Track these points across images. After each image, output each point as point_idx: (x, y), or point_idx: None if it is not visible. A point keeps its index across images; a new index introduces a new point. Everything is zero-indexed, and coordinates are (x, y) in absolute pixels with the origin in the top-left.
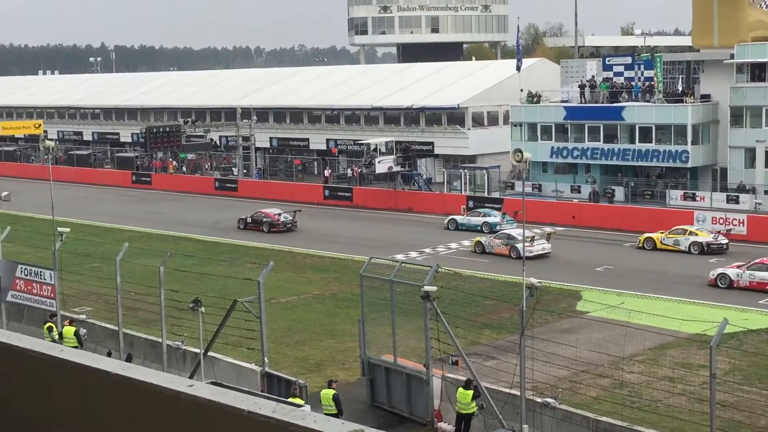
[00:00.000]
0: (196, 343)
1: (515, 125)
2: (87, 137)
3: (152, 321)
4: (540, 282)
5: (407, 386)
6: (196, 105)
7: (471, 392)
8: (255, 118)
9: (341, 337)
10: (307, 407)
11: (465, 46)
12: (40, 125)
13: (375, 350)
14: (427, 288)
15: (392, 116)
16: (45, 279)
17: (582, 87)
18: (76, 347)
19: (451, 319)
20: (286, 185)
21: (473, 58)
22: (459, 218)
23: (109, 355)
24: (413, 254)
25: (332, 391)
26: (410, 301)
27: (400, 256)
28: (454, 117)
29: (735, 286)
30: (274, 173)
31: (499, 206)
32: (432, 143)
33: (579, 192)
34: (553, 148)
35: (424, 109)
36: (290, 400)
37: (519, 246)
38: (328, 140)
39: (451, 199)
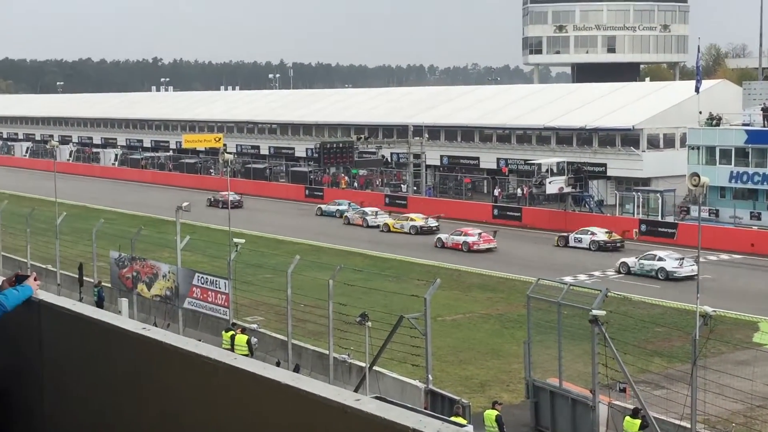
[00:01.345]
0: (362, 357)
1: (692, 148)
2: (263, 151)
3: (320, 333)
4: (714, 311)
5: (572, 411)
6: (369, 121)
7: (639, 422)
8: (426, 135)
9: (506, 358)
10: (470, 427)
11: (642, 66)
12: (220, 139)
13: (540, 373)
14: (595, 312)
15: (564, 136)
16: (220, 288)
17: (765, 110)
18: (247, 356)
19: (619, 345)
20: (455, 203)
21: (648, 79)
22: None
23: (278, 364)
24: (582, 277)
25: (495, 412)
26: (578, 324)
27: (568, 279)
28: (629, 138)
29: None
30: (444, 191)
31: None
32: (605, 165)
33: (759, 219)
34: (732, 172)
35: (598, 130)
36: (453, 419)
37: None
38: (498, 159)
39: (622, 223)
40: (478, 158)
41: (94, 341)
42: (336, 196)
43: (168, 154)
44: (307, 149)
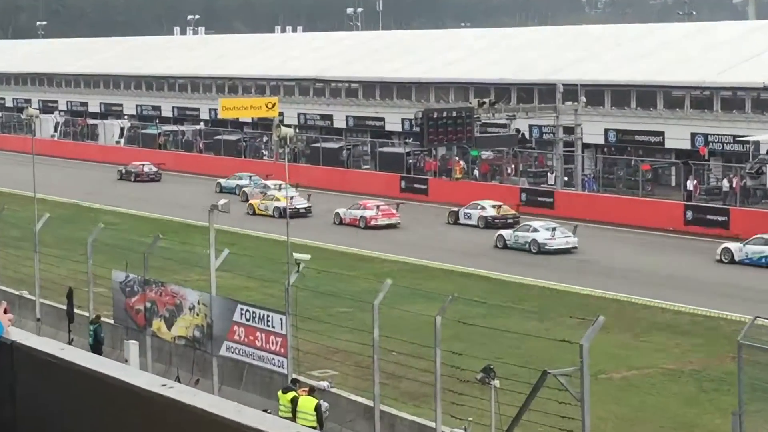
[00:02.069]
0: (487, 430)
1: None
2: (339, 123)
3: (422, 395)
4: None
5: None
6: (495, 79)
7: None
8: (584, 99)
9: None
10: None
11: None
12: (274, 105)
13: None
14: None
15: None
16: (273, 326)
17: None
18: (315, 428)
19: None
20: (627, 202)
21: None
22: None
23: None
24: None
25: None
26: None
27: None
28: None
29: None
30: (610, 183)
31: None
32: None
33: None
34: None
35: None
36: None
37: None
38: (693, 135)
39: None
40: (662, 134)
41: (89, 402)
42: (446, 189)
43: (197, 127)
44: (403, 120)
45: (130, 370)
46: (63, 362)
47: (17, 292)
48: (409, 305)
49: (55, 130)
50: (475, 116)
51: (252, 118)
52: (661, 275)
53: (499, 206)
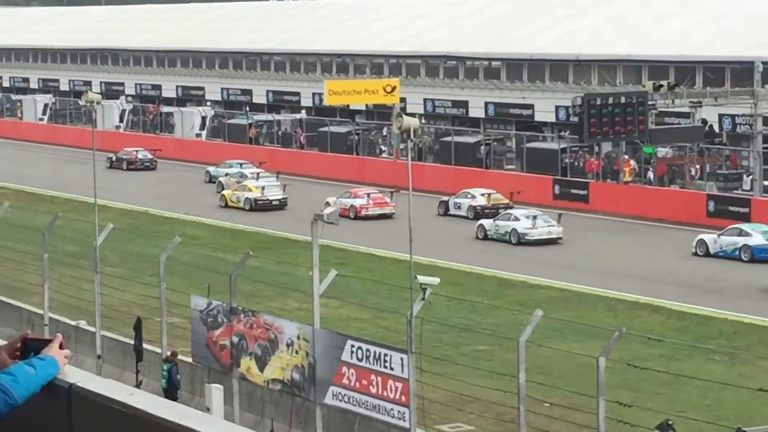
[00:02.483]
0: None
1: None
2: (476, 112)
3: None
4: None
5: None
6: (675, 56)
7: None
8: None
9: None
10: None
11: None
12: (394, 88)
13: None
14: None
15: None
16: (392, 368)
17: None
18: None
19: None
20: None
21: None
22: None
23: None
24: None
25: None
26: None
27: None
28: None
29: None
30: None
31: None
32: None
33: None
34: None
35: None
36: None
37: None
38: None
39: None
40: None
41: None
42: (612, 195)
43: (297, 117)
44: (557, 108)
45: (212, 421)
46: (130, 410)
47: (73, 323)
48: (563, 342)
49: (121, 120)
50: (650, 103)
51: (366, 105)
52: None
53: (489, 195)
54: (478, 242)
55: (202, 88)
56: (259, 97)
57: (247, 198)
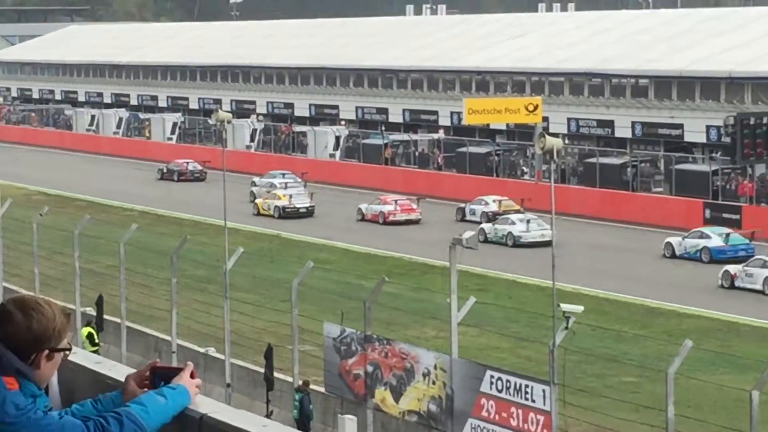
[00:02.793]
0: None
1: None
2: (622, 131)
3: None
4: None
5: None
6: None
7: None
8: None
9: None
10: None
11: None
12: (536, 107)
13: None
14: None
15: None
16: (534, 400)
17: None
18: None
19: None
20: None
21: None
22: None
23: None
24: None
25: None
26: None
27: None
28: None
29: None
30: None
31: None
32: None
33: None
34: None
35: None
36: None
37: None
38: None
39: None
40: None
41: None
42: (767, 217)
43: (435, 136)
44: (708, 128)
45: None
46: None
47: (202, 350)
48: (714, 374)
49: (252, 140)
50: None
51: (507, 125)
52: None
53: (501, 201)
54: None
55: (336, 107)
56: (396, 116)
57: (276, 206)
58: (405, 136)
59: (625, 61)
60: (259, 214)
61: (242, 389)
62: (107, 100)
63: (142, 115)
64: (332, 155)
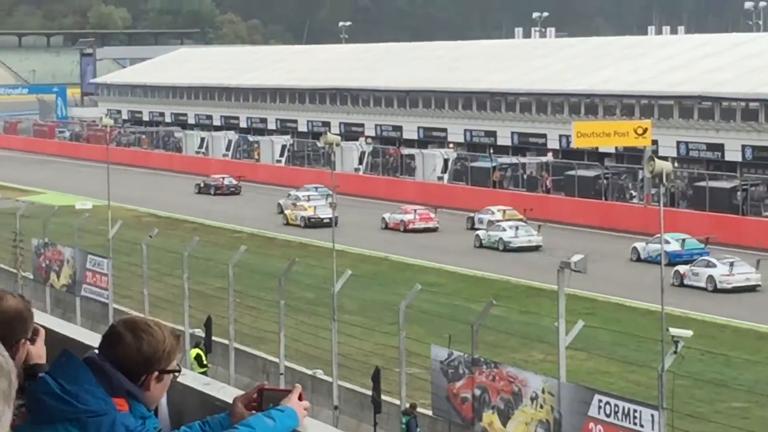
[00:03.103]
0: None
1: None
2: (732, 155)
3: None
4: None
5: None
6: None
7: None
8: None
9: None
10: None
11: None
12: (645, 131)
13: None
14: None
15: None
16: (642, 425)
17: None
18: None
19: None
20: None
21: None
22: None
23: None
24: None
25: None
26: None
27: None
28: None
29: None
30: None
31: None
32: None
33: None
34: None
35: None
36: None
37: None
38: None
39: None
40: None
41: None
42: None
43: (543, 160)
44: None
45: None
46: None
47: (310, 372)
48: None
49: (360, 162)
50: None
51: (616, 148)
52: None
53: (505, 211)
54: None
55: (444, 130)
56: (504, 139)
57: (302, 216)
58: (513, 159)
59: (736, 84)
60: (288, 223)
61: (350, 411)
62: (217, 122)
63: (251, 138)
64: (440, 178)
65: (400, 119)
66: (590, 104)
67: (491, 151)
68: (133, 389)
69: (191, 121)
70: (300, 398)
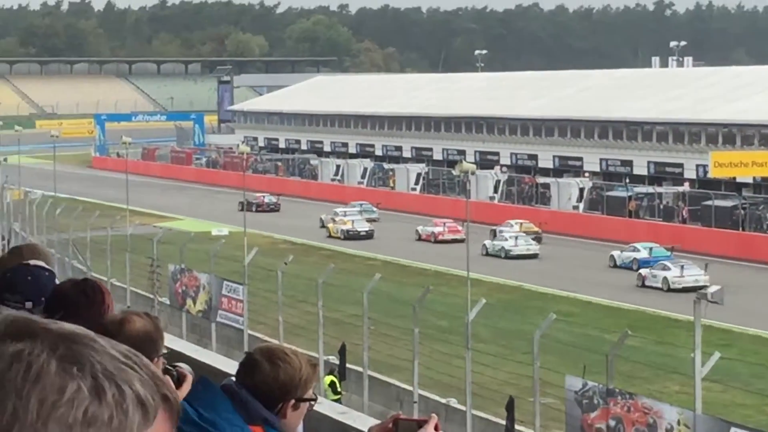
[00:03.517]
0: None
1: None
2: None
3: None
4: None
5: None
6: None
7: None
8: None
9: None
10: None
11: None
12: None
13: None
14: None
15: None
16: None
17: None
18: None
19: None
20: None
21: None
22: None
23: None
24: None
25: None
26: None
27: None
28: None
29: None
30: None
31: None
32: None
33: None
34: None
35: None
36: None
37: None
38: None
39: None
40: None
41: None
42: None
43: (680, 189)
44: None
45: None
46: None
47: (443, 400)
48: None
49: (495, 191)
50: None
51: (754, 178)
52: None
53: (522, 224)
54: None
55: (579, 159)
56: (640, 169)
57: (342, 229)
58: (649, 189)
59: None
60: (330, 236)
61: None
62: (352, 150)
63: (386, 166)
64: (575, 207)
65: (535, 148)
66: (728, 134)
67: (627, 180)
68: (270, 417)
69: (327, 148)
70: (436, 428)
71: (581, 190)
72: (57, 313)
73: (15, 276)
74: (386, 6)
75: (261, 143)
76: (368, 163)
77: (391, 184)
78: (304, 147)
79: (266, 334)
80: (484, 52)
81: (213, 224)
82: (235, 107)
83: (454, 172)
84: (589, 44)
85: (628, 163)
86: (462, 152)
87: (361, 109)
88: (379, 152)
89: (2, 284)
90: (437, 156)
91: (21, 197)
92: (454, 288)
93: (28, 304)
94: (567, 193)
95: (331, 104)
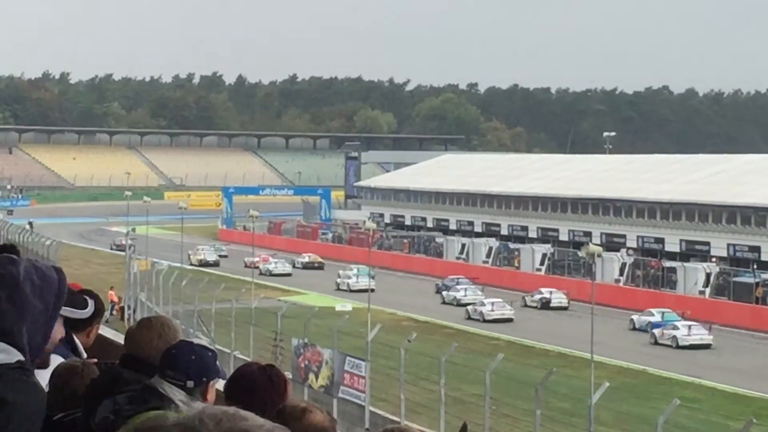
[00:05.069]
0: None
1: None
2: None
3: None
4: None
5: None
6: None
7: None
8: None
9: None
10: None
11: None
12: None
13: None
14: None
15: None
16: None
17: None
18: None
19: None
20: None
21: None
22: None
23: None
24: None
25: None
26: None
27: None
28: None
29: None
30: None
31: None
32: None
33: None
34: None
35: None
36: None
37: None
38: None
39: None
40: None
41: None
42: None
43: None
44: None
45: None
46: None
47: None
48: None
49: (621, 273)
50: None
51: None
52: None
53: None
54: None
55: (707, 243)
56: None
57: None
58: None
59: None
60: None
61: None
62: (478, 228)
63: (511, 245)
64: (701, 292)
65: (662, 231)
66: None
67: (755, 266)
68: None
69: (453, 226)
70: None
71: (708, 275)
72: (240, 395)
73: (179, 353)
74: (515, 86)
75: (387, 219)
76: (493, 242)
77: (516, 264)
78: (429, 224)
79: (387, 411)
80: (613, 134)
81: (337, 299)
82: (362, 183)
83: (580, 254)
84: (718, 128)
85: (756, 249)
86: (588, 233)
87: (488, 188)
88: (504, 231)
89: (166, 360)
90: (563, 237)
91: (148, 268)
92: (577, 370)
93: (190, 383)
94: (693, 277)
95: (457, 182)
